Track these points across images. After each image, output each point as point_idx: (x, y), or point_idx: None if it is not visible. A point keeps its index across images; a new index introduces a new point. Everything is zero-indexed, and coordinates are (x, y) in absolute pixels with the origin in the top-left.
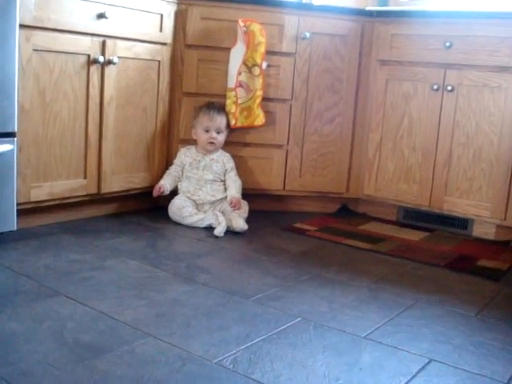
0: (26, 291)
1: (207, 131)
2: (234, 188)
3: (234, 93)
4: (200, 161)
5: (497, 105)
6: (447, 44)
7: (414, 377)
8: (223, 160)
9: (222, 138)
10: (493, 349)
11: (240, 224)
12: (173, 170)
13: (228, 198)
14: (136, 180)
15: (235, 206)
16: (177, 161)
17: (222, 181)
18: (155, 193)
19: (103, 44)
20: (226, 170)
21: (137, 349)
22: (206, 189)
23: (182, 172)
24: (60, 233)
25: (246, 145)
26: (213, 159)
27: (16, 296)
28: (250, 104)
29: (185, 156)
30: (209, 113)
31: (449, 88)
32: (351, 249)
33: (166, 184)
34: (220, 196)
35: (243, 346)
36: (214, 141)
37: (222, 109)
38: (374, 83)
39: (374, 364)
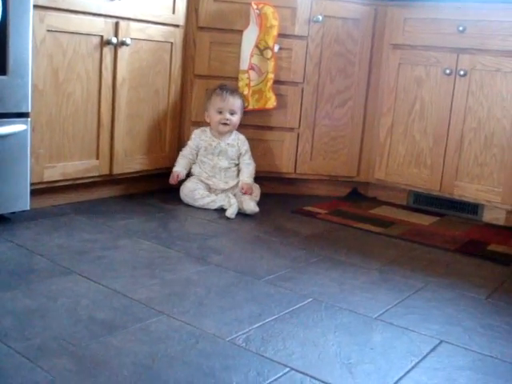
0: (40, 269)
1: (220, 112)
2: (247, 173)
3: (246, 75)
4: (216, 147)
5: (509, 90)
6: (460, 28)
7: (424, 357)
8: (238, 143)
9: (236, 119)
10: (503, 331)
11: (251, 206)
12: (187, 153)
13: (240, 184)
14: (148, 161)
15: (246, 192)
16: (191, 143)
17: (236, 165)
18: (173, 181)
19: (116, 25)
20: (240, 154)
21: (150, 326)
22: (219, 176)
23: (197, 155)
24: (72, 213)
25: (258, 128)
26: (228, 144)
27: (30, 274)
28: (262, 87)
29: (200, 139)
30: (222, 94)
31: (461, 73)
32: (361, 232)
33: (182, 170)
34: (233, 183)
35: (256, 325)
36: (227, 122)
37: (235, 90)
38: (386, 67)
39: (385, 344)
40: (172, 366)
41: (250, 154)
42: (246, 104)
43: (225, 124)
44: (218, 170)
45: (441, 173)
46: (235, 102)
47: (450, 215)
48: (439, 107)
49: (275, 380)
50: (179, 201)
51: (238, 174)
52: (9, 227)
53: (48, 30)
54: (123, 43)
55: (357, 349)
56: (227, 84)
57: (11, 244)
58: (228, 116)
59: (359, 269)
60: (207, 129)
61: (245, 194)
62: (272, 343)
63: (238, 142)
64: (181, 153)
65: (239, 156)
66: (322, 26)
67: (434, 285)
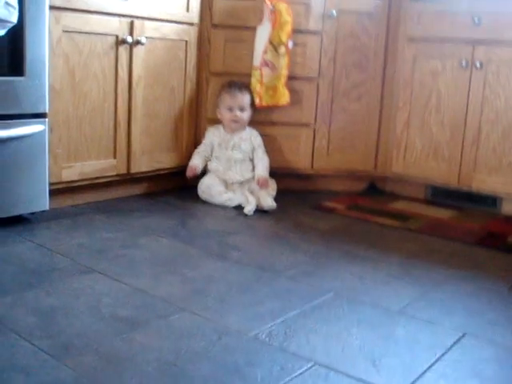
0: (61, 268)
1: (230, 110)
2: (261, 166)
3: (258, 71)
4: (229, 140)
5: None
6: (476, 20)
7: (449, 349)
8: (251, 138)
9: (246, 115)
10: None
11: (268, 202)
12: (202, 150)
13: (255, 177)
14: (165, 160)
15: (262, 185)
16: (206, 140)
17: (250, 159)
18: (190, 173)
19: (131, 24)
20: (254, 148)
21: (173, 323)
22: (235, 168)
23: (211, 152)
24: (91, 212)
25: (274, 124)
26: (241, 138)
27: (52, 273)
28: (276, 83)
29: (213, 136)
30: (230, 91)
31: (477, 64)
32: (380, 226)
33: (199, 164)
34: (249, 175)
35: (278, 320)
36: (236, 119)
37: (244, 86)
38: (401, 60)
39: (408, 337)
40: (196, 361)
41: (263, 148)
42: (258, 100)
43: (235, 121)
44: (233, 163)
45: (458, 165)
46: (244, 98)
47: (468, 208)
48: (456, 99)
49: (300, 374)
50: (197, 198)
51: (253, 169)
52: (29, 227)
53: (64, 31)
54: (138, 42)
55: (380, 342)
56: (236, 80)
57: (32, 244)
58: (238, 113)
59: (379, 263)
60: (220, 126)
61: (261, 186)
62: (295, 338)
63: (251, 136)
64: (196, 150)
65: (253, 150)
66: (336, 20)
67: (454, 278)
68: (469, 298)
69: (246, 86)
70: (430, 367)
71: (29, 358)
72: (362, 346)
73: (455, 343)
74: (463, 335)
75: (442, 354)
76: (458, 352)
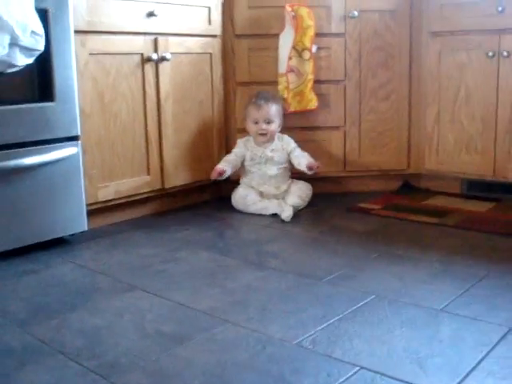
0: (103, 287)
1: (256, 123)
2: (306, 158)
3: (285, 78)
4: (261, 156)
5: None
6: (499, 9)
7: (495, 346)
8: (282, 146)
9: (273, 127)
10: None
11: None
12: (232, 159)
13: (306, 165)
14: (198, 172)
15: (312, 167)
16: (236, 151)
17: (285, 169)
18: (214, 175)
19: (155, 42)
20: (290, 152)
21: (217, 335)
22: (269, 183)
23: (242, 163)
24: (129, 230)
25: (303, 129)
26: (273, 150)
27: (94, 292)
28: (303, 88)
29: (245, 149)
30: (255, 103)
31: (505, 54)
32: (418, 224)
33: (224, 168)
34: (284, 187)
35: (321, 327)
36: (263, 132)
37: (270, 97)
38: (426, 56)
39: (453, 336)
40: (242, 373)
41: (299, 148)
42: (286, 107)
43: (262, 134)
44: (267, 178)
45: (493, 157)
46: (270, 110)
47: (505, 200)
48: (485, 91)
49: (346, 380)
50: (231, 209)
51: (288, 177)
52: (69, 249)
53: (90, 54)
54: (163, 58)
55: (425, 342)
56: (265, 90)
57: (73, 265)
58: (264, 126)
59: (419, 261)
60: (251, 138)
61: (311, 169)
62: (339, 343)
63: (282, 144)
64: (224, 157)
65: (287, 157)
66: (358, 21)
67: (497, 272)
68: None
69: (273, 97)
70: (477, 365)
71: (78, 379)
72: (406, 348)
73: (501, 339)
74: (509, 330)
75: (489, 351)
76: (505, 348)
